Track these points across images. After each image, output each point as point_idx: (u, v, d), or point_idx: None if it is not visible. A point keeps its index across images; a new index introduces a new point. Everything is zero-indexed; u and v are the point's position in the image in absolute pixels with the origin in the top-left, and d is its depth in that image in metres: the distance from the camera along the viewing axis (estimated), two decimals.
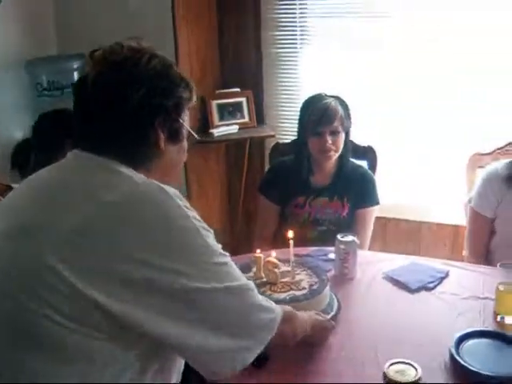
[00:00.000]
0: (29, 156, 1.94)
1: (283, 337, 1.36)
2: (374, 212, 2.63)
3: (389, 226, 3.36)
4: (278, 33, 3.40)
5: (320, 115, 2.46)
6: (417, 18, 3.08)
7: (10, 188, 2.30)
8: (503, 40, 2.94)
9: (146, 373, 1.18)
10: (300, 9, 3.31)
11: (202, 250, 1.19)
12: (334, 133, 2.47)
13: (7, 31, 3.13)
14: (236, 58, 3.55)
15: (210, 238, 1.22)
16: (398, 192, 3.28)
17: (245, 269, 1.88)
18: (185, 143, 1.40)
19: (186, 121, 1.38)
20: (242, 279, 1.26)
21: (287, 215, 2.63)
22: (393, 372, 1.30)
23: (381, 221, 3.26)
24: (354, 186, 2.57)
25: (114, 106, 1.24)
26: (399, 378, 1.28)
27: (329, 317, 1.70)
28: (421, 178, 3.27)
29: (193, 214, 1.19)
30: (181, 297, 1.14)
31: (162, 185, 1.19)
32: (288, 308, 1.47)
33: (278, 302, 1.57)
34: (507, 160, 2.31)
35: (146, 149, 1.29)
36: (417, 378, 1.28)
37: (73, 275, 1.08)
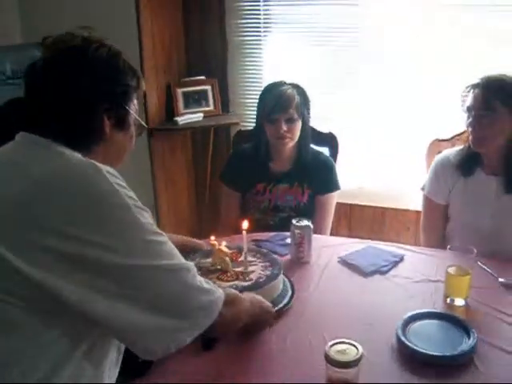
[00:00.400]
0: None
1: (226, 320, 1.36)
2: (334, 198, 2.64)
3: (353, 211, 3.39)
4: (242, 21, 3.41)
5: (275, 102, 2.46)
6: (381, 5, 3.09)
7: None
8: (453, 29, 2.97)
9: (74, 351, 1.19)
10: None
11: (132, 227, 1.19)
12: (290, 120, 2.47)
13: None
14: (201, 46, 3.56)
15: (144, 215, 1.22)
16: (361, 178, 3.31)
17: (205, 255, 1.91)
18: (132, 131, 1.43)
19: (134, 109, 1.41)
20: (178, 259, 1.27)
21: (248, 202, 2.64)
22: (334, 352, 1.30)
23: (345, 207, 3.30)
24: (314, 172, 2.58)
25: (61, 92, 1.28)
26: (340, 358, 1.29)
27: (278, 307, 1.72)
28: (384, 164, 3.30)
29: (126, 192, 1.20)
30: (110, 272, 1.15)
31: (97, 163, 1.20)
32: (232, 291, 1.48)
33: None
34: (458, 147, 2.33)
35: (90, 133, 1.32)
36: (357, 356, 1.29)
37: (4, 247, 1.11)
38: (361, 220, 3.40)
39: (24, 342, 1.14)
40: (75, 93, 1.27)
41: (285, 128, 2.47)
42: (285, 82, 2.55)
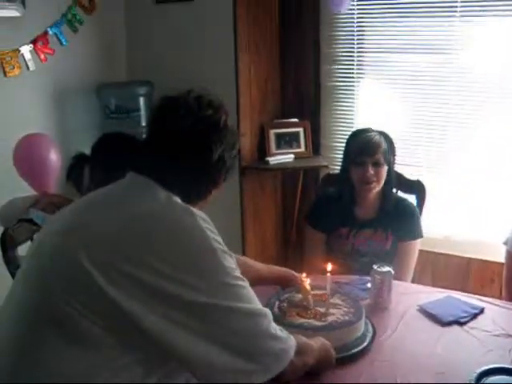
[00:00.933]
0: (82, 170, 2.07)
1: (296, 368, 1.43)
2: (417, 245, 2.65)
3: (438, 260, 3.35)
4: (336, 66, 3.50)
5: (363, 145, 2.53)
6: (475, 56, 3.11)
7: (72, 202, 2.48)
8: None
9: (145, 379, 1.27)
10: (358, 44, 3.41)
11: (215, 269, 1.29)
12: (376, 164, 2.52)
13: (82, 58, 3.37)
14: (295, 90, 3.67)
15: (228, 260, 1.32)
16: (448, 227, 3.28)
17: (297, 291, 1.98)
18: None
19: None
20: (256, 304, 1.35)
21: (331, 245, 2.68)
22: None
23: (430, 255, 3.27)
24: (398, 218, 2.60)
25: (196, 156, 1.43)
26: None
27: (360, 348, 1.77)
28: (472, 213, 3.27)
29: (215, 236, 1.31)
30: (191, 309, 1.25)
31: (192, 208, 1.32)
32: (302, 340, 1.53)
33: (293, 326, 1.72)
34: None
35: (207, 192, 1.50)
36: None
37: (98, 273, 1.23)
38: (445, 269, 3.36)
39: (100, 360, 1.23)
40: (210, 158, 1.43)
41: (371, 171, 2.51)
42: (371, 129, 2.62)
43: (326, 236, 2.69)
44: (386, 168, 2.55)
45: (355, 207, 2.65)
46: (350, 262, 2.63)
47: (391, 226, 2.61)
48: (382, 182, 2.56)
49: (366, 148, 2.52)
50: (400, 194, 2.71)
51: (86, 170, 2.06)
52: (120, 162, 1.97)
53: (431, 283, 3.12)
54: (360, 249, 2.63)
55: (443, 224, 3.24)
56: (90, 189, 2.03)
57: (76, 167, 2.08)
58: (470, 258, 3.30)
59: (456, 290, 2.32)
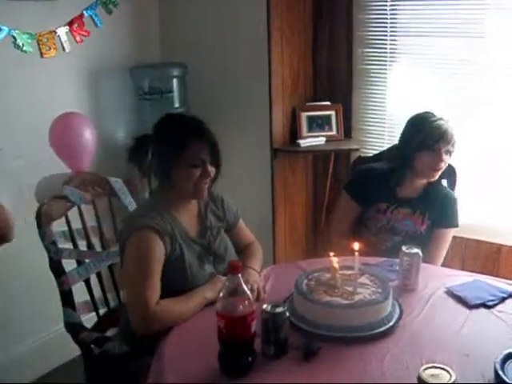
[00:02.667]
0: (147, 150, 2.05)
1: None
2: (451, 234, 2.68)
3: (468, 246, 3.33)
4: (368, 49, 3.48)
5: (441, 133, 2.52)
6: (509, 40, 3.06)
7: (106, 181, 2.54)
8: None
9: None
10: (391, 27, 3.37)
11: None
12: (448, 152, 2.54)
13: (116, 39, 3.40)
14: (328, 72, 3.66)
15: None
16: (478, 212, 3.26)
17: (325, 270, 2.01)
18: None
19: None
20: None
21: (366, 218, 2.70)
22: (427, 375, 1.36)
23: (460, 241, 3.25)
24: (438, 204, 2.63)
25: None
26: (432, 381, 1.34)
27: (386, 327, 1.80)
28: (503, 198, 3.24)
29: None
30: None
31: None
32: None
33: (320, 303, 1.78)
34: None
35: None
36: (450, 382, 1.33)
37: None
38: (475, 255, 3.33)
39: None
40: None
41: (445, 159, 2.54)
42: (441, 116, 2.60)
43: (361, 209, 2.71)
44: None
45: (398, 187, 2.66)
46: (382, 239, 2.67)
47: (430, 210, 2.64)
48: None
49: (444, 135, 2.52)
50: None
51: (151, 151, 2.04)
52: (184, 140, 2.02)
53: (460, 268, 3.11)
54: (395, 226, 2.65)
55: (474, 209, 3.22)
56: (152, 170, 2.08)
57: (138, 148, 2.07)
58: (500, 244, 3.27)
59: (485, 275, 2.32)
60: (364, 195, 2.69)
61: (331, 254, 1.97)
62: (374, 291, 1.91)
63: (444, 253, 2.67)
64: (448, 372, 1.38)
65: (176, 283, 1.99)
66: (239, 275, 1.60)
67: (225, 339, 1.61)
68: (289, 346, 1.70)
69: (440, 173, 2.58)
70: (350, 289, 1.91)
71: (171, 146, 2.01)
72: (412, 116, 2.66)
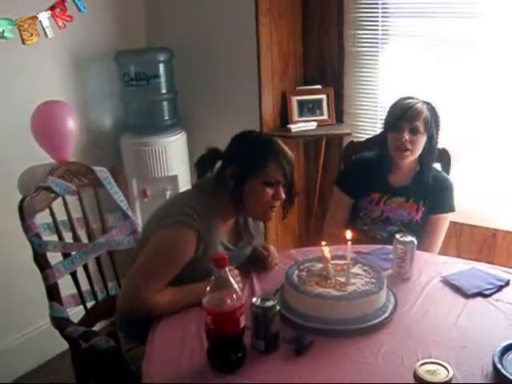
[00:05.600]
0: (214, 163, 2.06)
1: None
2: (448, 219, 2.62)
3: (463, 231, 3.29)
4: (360, 31, 3.40)
5: (402, 111, 2.47)
6: (504, 20, 2.98)
7: (91, 170, 2.47)
8: None
9: None
10: (382, 8, 3.29)
11: None
12: (414, 130, 2.46)
13: (101, 24, 3.31)
14: (318, 55, 3.58)
15: None
16: (473, 196, 3.20)
17: (317, 260, 1.96)
18: None
19: None
20: None
21: (360, 209, 2.65)
22: (423, 371, 1.30)
23: (455, 226, 3.21)
24: (432, 190, 2.57)
25: None
26: (429, 378, 1.28)
27: (381, 318, 1.75)
28: (498, 182, 3.18)
29: None
30: None
31: None
32: None
33: (312, 295, 1.73)
34: None
35: None
36: (447, 379, 1.28)
37: None
38: (470, 240, 3.29)
39: None
40: None
41: (407, 137, 2.45)
42: (416, 98, 2.55)
43: (354, 201, 2.67)
44: (424, 138, 2.49)
45: (390, 174, 2.61)
46: (377, 230, 2.62)
47: (424, 197, 2.58)
48: (418, 151, 2.51)
49: (406, 113, 2.47)
50: None
51: (218, 165, 2.05)
52: (258, 161, 1.97)
53: (456, 255, 3.07)
54: (390, 216, 2.60)
55: (469, 194, 3.16)
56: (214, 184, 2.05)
57: (206, 160, 2.06)
58: (495, 230, 3.22)
59: (481, 261, 2.28)
60: (355, 187, 2.64)
61: (323, 243, 1.92)
62: (367, 281, 1.86)
63: (441, 239, 2.62)
64: (445, 367, 1.32)
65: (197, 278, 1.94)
66: (226, 269, 1.53)
67: (213, 335, 1.56)
68: (280, 340, 1.65)
69: (412, 153, 2.49)
70: (342, 279, 1.86)
71: (251, 161, 1.97)
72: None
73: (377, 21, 3.32)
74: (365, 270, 1.93)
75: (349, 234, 1.89)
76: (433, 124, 2.51)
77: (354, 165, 2.76)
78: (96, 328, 2.38)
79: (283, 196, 2.01)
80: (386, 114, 2.62)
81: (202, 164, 2.08)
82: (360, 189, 2.63)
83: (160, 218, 2.00)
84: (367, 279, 1.87)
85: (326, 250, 1.88)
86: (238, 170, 1.98)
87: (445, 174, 2.67)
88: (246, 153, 2.00)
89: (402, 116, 2.46)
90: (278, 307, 1.63)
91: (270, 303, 1.61)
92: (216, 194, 2.02)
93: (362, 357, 1.60)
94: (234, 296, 1.53)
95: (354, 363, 1.58)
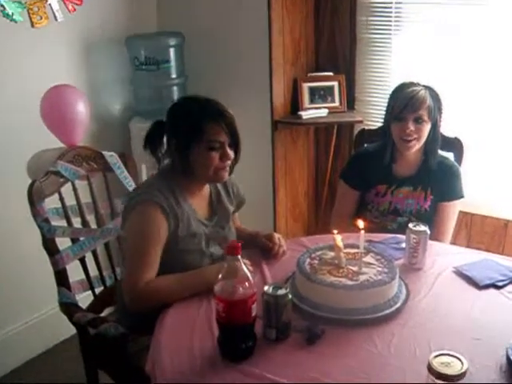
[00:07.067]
0: (161, 138, 2.02)
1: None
2: (457, 206, 2.57)
3: (474, 221, 3.26)
4: (372, 18, 3.36)
5: (406, 101, 2.42)
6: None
7: (100, 155, 2.45)
8: None
9: None
10: None
11: None
12: (418, 119, 2.42)
13: (111, 8, 3.27)
14: (330, 42, 3.54)
15: None
16: (485, 187, 3.17)
17: (329, 249, 1.95)
18: None
19: None
20: None
21: (367, 203, 2.62)
22: (437, 363, 1.28)
23: (466, 216, 3.18)
24: (439, 177, 2.52)
25: None
26: (443, 370, 1.26)
27: (393, 309, 1.73)
28: (509, 173, 3.14)
29: None
30: None
31: None
32: None
33: (324, 284, 1.71)
34: None
35: None
36: (462, 371, 1.26)
37: None
38: (481, 231, 3.26)
39: None
40: None
41: (412, 128, 2.41)
42: (418, 83, 2.50)
43: (360, 194, 2.63)
44: (428, 125, 2.45)
45: (394, 164, 2.57)
46: (387, 222, 2.58)
47: (431, 184, 2.53)
48: (423, 139, 2.46)
49: (410, 103, 2.41)
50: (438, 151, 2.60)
51: (165, 139, 2.02)
52: (195, 125, 1.94)
53: (466, 245, 3.05)
54: (398, 207, 2.56)
55: (480, 184, 3.13)
56: (168, 156, 2.04)
57: (154, 135, 2.03)
58: (507, 220, 3.19)
59: (492, 252, 2.26)
60: (361, 180, 2.61)
61: (335, 231, 1.89)
62: (379, 271, 1.84)
63: (452, 227, 2.57)
64: (460, 360, 1.30)
65: (185, 261, 1.97)
66: (239, 256, 1.52)
67: (224, 323, 1.54)
68: (291, 329, 1.64)
69: (418, 142, 2.45)
70: (354, 268, 1.84)
71: (188, 129, 1.95)
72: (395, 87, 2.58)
73: (390, 7, 3.28)
74: (377, 260, 1.91)
75: (361, 224, 1.87)
76: (436, 111, 2.47)
77: (357, 158, 2.72)
78: (104, 313, 2.38)
79: (232, 156, 2.00)
80: (388, 101, 2.56)
81: (150, 140, 2.04)
82: (365, 181, 2.60)
83: (125, 203, 2.06)
84: (379, 268, 1.85)
85: (338, 239, 1.86)
86: (179, 140, 1.97)
87: (451, 161, 2.61)
88: (182, 122, 1.98)
89: (406, 106, 2.42)
90: (289, 296, 1.61)
91: (282, 291, 1.59)
92: (173, 170, 2.02)
93: (374, 347, 1.58)
94: (247, 284, 1.51)
95: (367, 354, 1.56)
